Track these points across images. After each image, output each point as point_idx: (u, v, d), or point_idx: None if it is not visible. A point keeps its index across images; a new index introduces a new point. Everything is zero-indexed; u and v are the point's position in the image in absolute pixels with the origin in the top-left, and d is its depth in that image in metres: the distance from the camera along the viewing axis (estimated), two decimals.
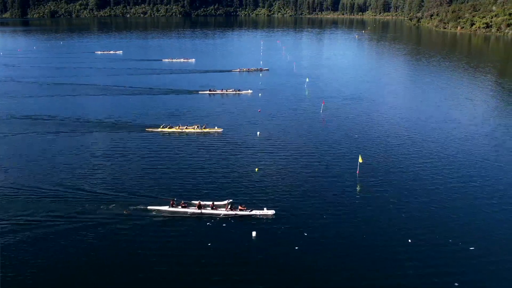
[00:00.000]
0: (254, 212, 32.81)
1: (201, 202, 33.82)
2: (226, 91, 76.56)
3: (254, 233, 30.32)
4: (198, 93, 75.93)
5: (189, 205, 33.91)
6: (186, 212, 33.35)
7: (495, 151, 47.11)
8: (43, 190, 36.88)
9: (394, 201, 35.28)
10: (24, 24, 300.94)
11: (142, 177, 39.94)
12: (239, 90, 76.57)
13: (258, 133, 52.56)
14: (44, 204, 34.48)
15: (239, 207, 33.17)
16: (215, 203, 33.90)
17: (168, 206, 33.73)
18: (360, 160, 40.39)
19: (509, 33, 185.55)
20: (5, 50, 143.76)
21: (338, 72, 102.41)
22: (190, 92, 77.10)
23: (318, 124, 57.74)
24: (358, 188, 37.99)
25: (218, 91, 76.28)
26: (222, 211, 33.09)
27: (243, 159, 44.39)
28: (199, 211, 33.28)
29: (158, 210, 33.67)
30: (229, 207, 33.27)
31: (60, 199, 35.20)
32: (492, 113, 64.04)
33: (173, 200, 34.20)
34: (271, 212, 32.79)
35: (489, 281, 25.91)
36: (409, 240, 29.53)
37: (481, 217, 32.85)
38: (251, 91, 76.76)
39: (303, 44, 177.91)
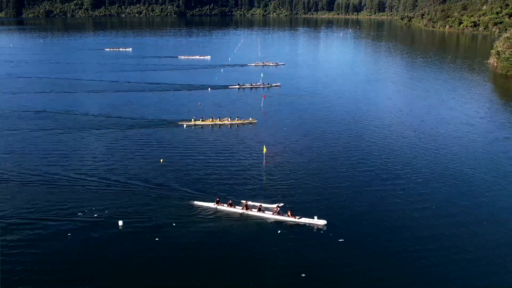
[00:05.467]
0: (303, 220, 29.70)
1: (248, 203, 31.42)
2: (256, 84, 76.27)
3: (120, 222, 29.05)
4: (228, 88, 75.32)
5: (236, 204, 31.71)
6: (231, 212, 31.10)
7: (398, 153, 44.86)
8: (80, 183, 35.67)
9: (285, 192, 34.08)
10: (18, 23, 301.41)
11: (181, 171, 38.08)
12: (269, 84, 76.37)
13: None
14: (81, 195, 33.36)
15: (288, 213, 30.23)
16: (263, 205, 31.32)
17: (213, 203, 31.67)
18: (264, 151, 39.44)
19: (495, 32, 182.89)
20: None
21: (302, 69, 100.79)
22: (219, 87, 75.43)
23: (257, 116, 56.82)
24: (264, 178, 36.96)
25: (248, 85, 75.96)
26: (269, 215, 30.67)
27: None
28: (246, 212, 30.91)
29: (203, 206, 31.70)
30: (277, 211, 30.48)
31: (107, 194, 33.77)
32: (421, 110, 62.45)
33: (218, 198, 32.06)
34: (323, 222, 29.23)
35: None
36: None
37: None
38: (280, 83, 77.11)
39: (283, 43, 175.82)
